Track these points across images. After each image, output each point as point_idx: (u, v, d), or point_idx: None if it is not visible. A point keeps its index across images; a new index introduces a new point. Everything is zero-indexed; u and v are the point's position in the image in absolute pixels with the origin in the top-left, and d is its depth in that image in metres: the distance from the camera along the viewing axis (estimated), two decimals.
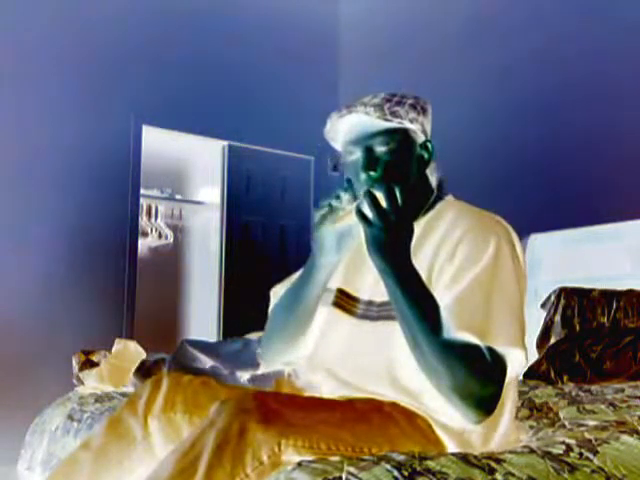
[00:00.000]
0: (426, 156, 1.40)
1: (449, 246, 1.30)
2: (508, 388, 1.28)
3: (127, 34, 4.19)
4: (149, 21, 4.28)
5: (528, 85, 3.77)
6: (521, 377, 2.49)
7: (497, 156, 3.89)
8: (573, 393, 2.14)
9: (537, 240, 3.40)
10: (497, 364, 1.20)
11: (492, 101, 3.96)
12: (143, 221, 5.09)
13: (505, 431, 1.31)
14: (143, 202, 4.89)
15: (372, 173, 1.32)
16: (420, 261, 1.29)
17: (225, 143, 4.62)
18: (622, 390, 2.15)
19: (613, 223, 3.14)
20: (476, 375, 1.18)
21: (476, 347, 1.19)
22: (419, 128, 1.36)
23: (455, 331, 1.19)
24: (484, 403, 1.19)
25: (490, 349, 1.19)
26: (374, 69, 4.64)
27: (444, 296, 1.24)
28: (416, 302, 1.20)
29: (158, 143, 4.72)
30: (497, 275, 1.25)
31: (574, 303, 2.93)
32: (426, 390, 1.24)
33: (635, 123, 3.29)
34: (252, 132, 4.60)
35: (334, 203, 1.28)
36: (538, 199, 3.62)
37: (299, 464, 1.02)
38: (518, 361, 1.23)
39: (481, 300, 1.22)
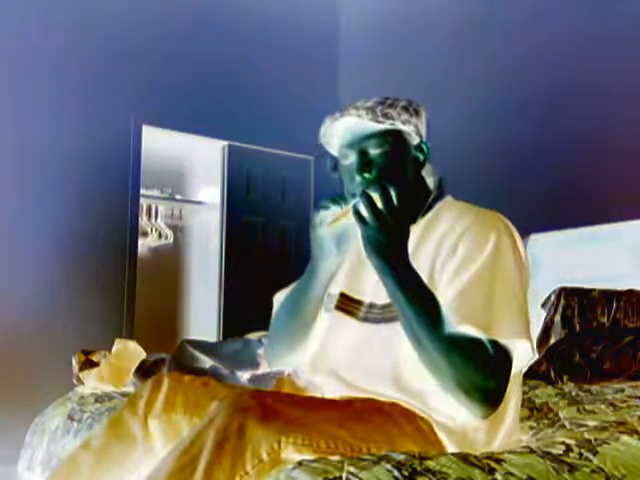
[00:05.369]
0: (421, 157, 1.40)
1: (450, 242, 1.30)
2: (511, 384, 1.27)
3: (127, 33, 4.19)
4: (149, 21, 4.28)
5: (528, 84, 3.77)
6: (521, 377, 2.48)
7: (497, 156, 3.89)
8: (573, 393, 2.14)
9: (537, 240, 3.40)
10: (500, 356, 1.20)
11: (492, 101, 3.96)
12: (143, 221, 5.09)
13: (509, 428, 1.31)
14: (143, 202, 4.89)
15: (367, 175, 1.33)
16: (421, 259, 1.30)
17: (225, 143, 4.62)
18: (622, 390, 2.15)
19: (613, 223, 3.14)
20: (479, 368, 1.18)
21: (478, 340, 1.19)
22: (413, 130, 1.36)
23: (457, 325, 1.20)
24: (489, 396, 1.20)
25: (493, 342, 1.19)
26: (374, 69, 4.64)
27: (446, 291, 1.25)
28: (416, 299, 1.21)
29: (158, 143, 4.71)
30: (498, 268, 1.25)
31: (574, 303, 2.93)
32: (429, 390, 1.24)
33: (635, 123, 3.29)
34: (252, 132, 4.60)
35: (329, 205, 1.31)
36: (538, 199, 3.61)
37: (299, 463, 1.02)
38: (524, 352, 1.23)
39: (483, 293, 1.23)
